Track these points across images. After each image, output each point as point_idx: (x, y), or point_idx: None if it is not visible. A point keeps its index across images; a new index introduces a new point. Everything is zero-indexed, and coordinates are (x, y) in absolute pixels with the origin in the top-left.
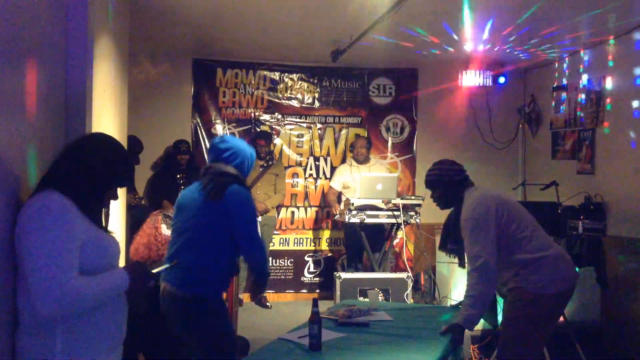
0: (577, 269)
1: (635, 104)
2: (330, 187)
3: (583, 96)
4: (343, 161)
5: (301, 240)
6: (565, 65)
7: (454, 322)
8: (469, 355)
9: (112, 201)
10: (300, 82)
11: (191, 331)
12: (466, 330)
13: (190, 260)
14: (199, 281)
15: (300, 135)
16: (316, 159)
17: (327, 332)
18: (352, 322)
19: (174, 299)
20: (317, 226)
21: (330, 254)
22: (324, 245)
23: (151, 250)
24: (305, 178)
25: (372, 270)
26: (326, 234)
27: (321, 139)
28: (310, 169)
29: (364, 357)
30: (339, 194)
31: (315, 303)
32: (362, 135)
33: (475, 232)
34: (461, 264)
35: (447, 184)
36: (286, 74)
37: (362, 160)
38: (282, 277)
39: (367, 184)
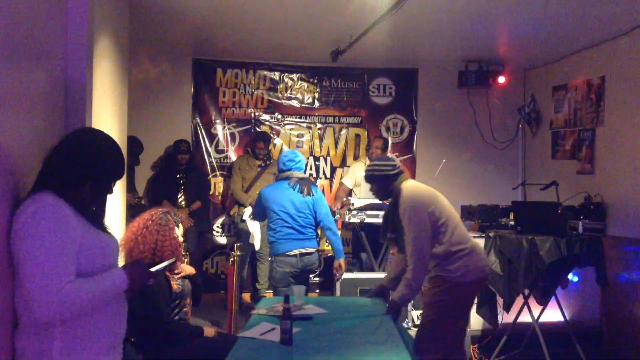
0: (489, 262)
1: (635, 104)
2: (342, 183)
3: (583, 96)
4: (343, 161)
5: None
6: (565, 65)
7: (392, 299)
8: (469, 355)
9: (108, 196)
10: (300, 82)
11: (318, 262)
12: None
13: (312, 233)
14: (315, 241)
15: (300, 135)
16: (316, 159)
17: (279, 327)
18: (297, 316)
19: (311, 254)
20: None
21: (330, 254)
22: (324, 245)
23: (173, 254)
24: None
25: (372, 270)
26: None
27: (321, 139)
28: (310, 169)
29: (336, 345)
30: (350, 192)
31: (286, 299)
32: (378, 136)
33: (412, 220)
34: (400, 251)
35: (382, 178)
36: (286, 74)
37: None
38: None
39: (367, 184)
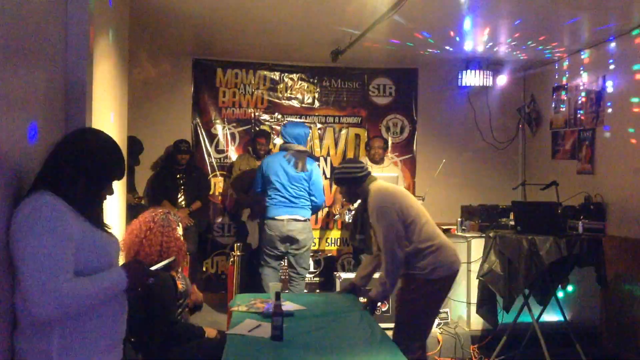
0: (459, 257)
1: (635, 104)
2: None
3: (583, 96)
4: (343, 161)
5: None
6: (565, 65)
7: (371, 297)
8: (469, 355)
9: (108, 197)
10: (300, 82)
11: (309, 234)
12: (465, 329)
13: (304, 202)
14: (307, 211)
15: None
16: (316, 159)
17: (265, 324)
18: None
19: (299, 220)
20: (317, 226)
21: (330, 254)
22: (324, 245)
23: (178, 254)
24: None
25: None
26: (326, 233)
27: (321, 139)
28: None
29: (325, 340)
30: None
31: (277, 296)
32: (378, 136)
33: (382, 221)
34: (368, 252)
35: (350, 180)
36: (286, 74)
37: (377, 161)
38: (282, 277)
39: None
